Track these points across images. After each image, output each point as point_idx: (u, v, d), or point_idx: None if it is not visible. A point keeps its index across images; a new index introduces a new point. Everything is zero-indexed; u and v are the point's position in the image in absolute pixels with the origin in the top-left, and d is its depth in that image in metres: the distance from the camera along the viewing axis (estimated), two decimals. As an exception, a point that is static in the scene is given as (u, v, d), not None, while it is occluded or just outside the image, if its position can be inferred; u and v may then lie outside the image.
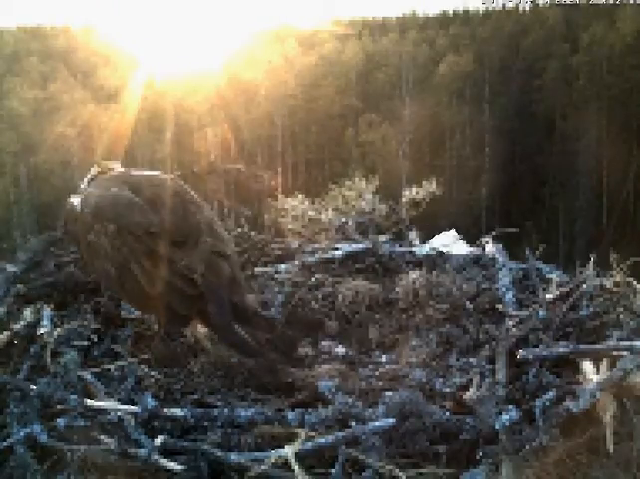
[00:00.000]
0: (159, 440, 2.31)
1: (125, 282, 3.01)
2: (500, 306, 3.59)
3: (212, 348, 3.16)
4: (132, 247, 2.97)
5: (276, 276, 4.10)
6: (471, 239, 4.85)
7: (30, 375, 2.81)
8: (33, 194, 35.67)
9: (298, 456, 2.25)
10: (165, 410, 2.52)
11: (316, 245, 4.73)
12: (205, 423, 2.50)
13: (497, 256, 4.28)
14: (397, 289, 3.88)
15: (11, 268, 3.73)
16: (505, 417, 2.44)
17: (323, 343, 3.34)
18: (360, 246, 4.57)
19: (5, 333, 3.13)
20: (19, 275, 3.69)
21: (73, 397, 2.54)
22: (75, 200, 3.29)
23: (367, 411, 2.48)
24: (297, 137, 42.85)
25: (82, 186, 3.48)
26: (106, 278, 3.12)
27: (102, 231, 3.05)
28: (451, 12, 54.13)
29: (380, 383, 2.80)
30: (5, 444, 2.39)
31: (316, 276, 4.06)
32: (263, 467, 2.22)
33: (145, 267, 2.93)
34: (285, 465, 2.24)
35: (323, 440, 2.33)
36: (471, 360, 2.99)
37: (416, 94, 41.30)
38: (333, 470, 2.24)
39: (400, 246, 4.76)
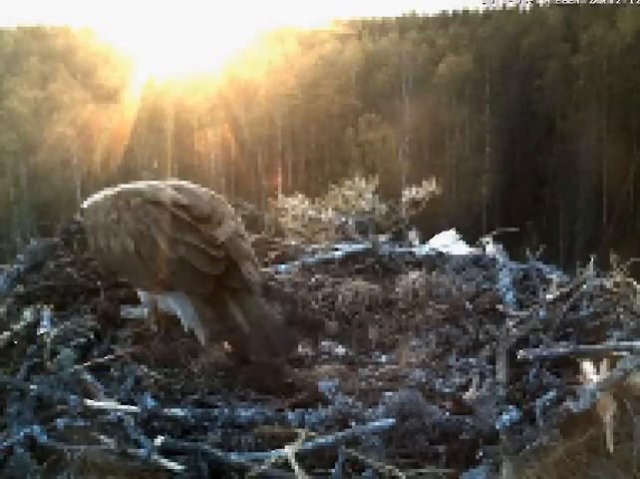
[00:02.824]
0: (158, 440, 2.31)
1: (143, 251, 3.04)
2: (500, 306, 3.59)
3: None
4: (155, 216, 3.07)
5: (276, 276, 4.10)
6: (471, 239, 4.85)
7: (29, 375, 2.81)
8: (33, 194, 35.66)
9: (298, 456, 2.25)
10: (165, 410, 2.52)
11: (316, 245, 4.73)
12: (205, 423, 2.50)
13: (497, 256, 4.28)
14: (397, 289, 3.88)
15: (12, 268, 3.73)
16: (505, 417, 2.44)
17: (323, 343, 3.34)
18: (360, 246, 4.57)
19: (5, 333, 3.13)
20: (21, 273, 3.69)
21: (73, 397, 2.54)
22: (95, 195, 3.41)
23: (367, 411, 2.48)
24: (297, 137, 42.85)
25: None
26: (123, 256, 3.11)
27: (125, 206, 3.16)
28: (451, 12, 54.23)
29: (380, 383, 2.81)
30: (5, 444, 2.39)
31: (316, 276, 4.06)
32: (263, 467, 2.22)
33: (166, 231, 3.02)
34: (285, 465, 2.24)
35: (323, 440, 2.33)
36: (471, 360, 2.99)
37: (416, 94, 41.30)
38: (333, 470, 2.24)
39: (400, 246, 4.76)
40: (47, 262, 3.87)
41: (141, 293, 3.38)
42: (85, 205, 3.44)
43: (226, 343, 3.08)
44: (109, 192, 3.38)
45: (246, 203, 4.99)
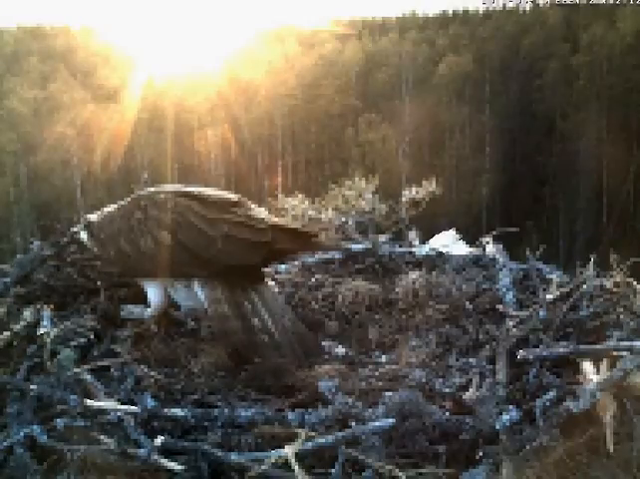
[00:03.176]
0: (158, 440, 2.31)
1: (183, 238, 3.07)
2: (500, 306, 3.59)
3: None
4: (185, 204, 3.13)
5: (276, 276, 4.10)
6: (471, 239, 4.85)
7: (29, 375, 2.81)
8: (33, 194, 35.67)
9: (298, 456, 2.25)
10: (165, 410, 2.52)
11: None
12: (205, 423, 2.50)
13: (497, 256, 4.28)
14: (397, 289, 3.88)
15: (1, 279, 3.73)
16: (505, 417, 2.44)
17: (323, 343, 3.34)
18: (360, 246, 4.57)
19: (5, 333, 3.12)
20: (9, 287, 3.68)
21: (73, 397, 2.54)
22: (102, 210, 3.48)
23: (367, 411, 2.48)
24: (297, 137, 42.85)
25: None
26: (158, 250, 3.13)
27: (150, 204, 3.19)
28: (451, 12, 54.31)
29: (380, 383, 2.80)
30: (5, 444, 2.39)
31: (316, 276, 4.06)
32: (263, 467, 2.21)
33: (203, 214, 3.07)
34: (285, 465, 2.24)
35: (323, 440, 2.33)
36: (471, 360, 2.99)
37: (416, 94, 41.32)
38: (333, 470, 2.24)
39: (400, 246, 4.77)
40: (34, 274, 3.84)
41: (150, 290, 3.37)
42: (94, 219, 3.44)
43: (235, 340, 3.10)
44: (117, 204, 3.42)
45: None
